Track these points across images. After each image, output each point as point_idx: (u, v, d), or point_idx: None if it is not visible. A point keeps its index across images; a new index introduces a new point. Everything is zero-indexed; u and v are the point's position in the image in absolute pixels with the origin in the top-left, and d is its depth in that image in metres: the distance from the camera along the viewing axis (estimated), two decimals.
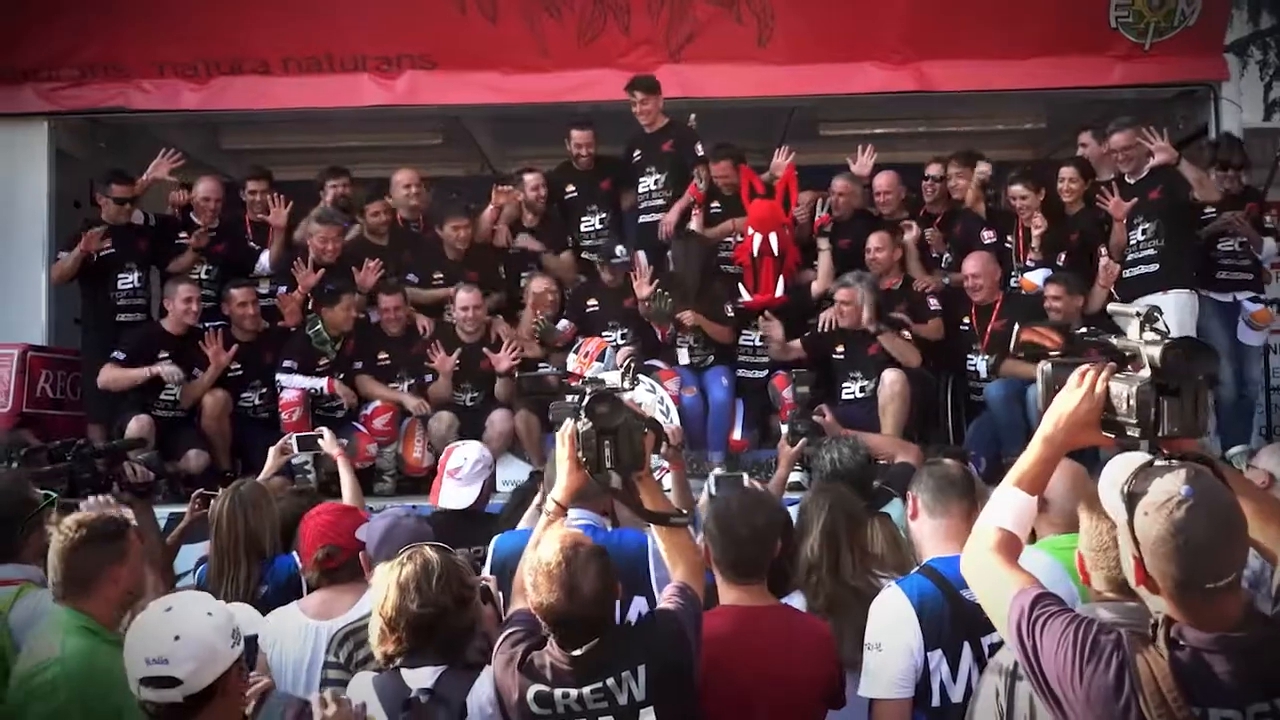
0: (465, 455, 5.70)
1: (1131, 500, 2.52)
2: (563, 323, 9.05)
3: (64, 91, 9.55)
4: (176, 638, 3.02)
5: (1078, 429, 2.78)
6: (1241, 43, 10.22)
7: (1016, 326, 3.10)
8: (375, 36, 9.44)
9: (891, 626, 3.76)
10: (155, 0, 9.32)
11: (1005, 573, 2.71)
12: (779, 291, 8.84)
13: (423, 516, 4.63)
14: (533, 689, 3.43)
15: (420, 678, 3.47)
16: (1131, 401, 2.71)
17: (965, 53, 9.40)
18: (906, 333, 8.27)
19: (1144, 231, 8.39)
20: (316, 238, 8.88)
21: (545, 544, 3.48)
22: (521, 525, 4.92)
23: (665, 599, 3.60)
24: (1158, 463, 2.56)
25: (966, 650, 3.72)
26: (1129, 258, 8.41)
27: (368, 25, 9.39)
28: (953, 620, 3.72)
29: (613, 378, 3.89)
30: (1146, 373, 2.72)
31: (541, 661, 3.43)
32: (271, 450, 6.35)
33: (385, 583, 3.50)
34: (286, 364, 8.53)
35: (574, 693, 3.42)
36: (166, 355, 8.44)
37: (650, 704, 3.43)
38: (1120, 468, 2.60)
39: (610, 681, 3.42)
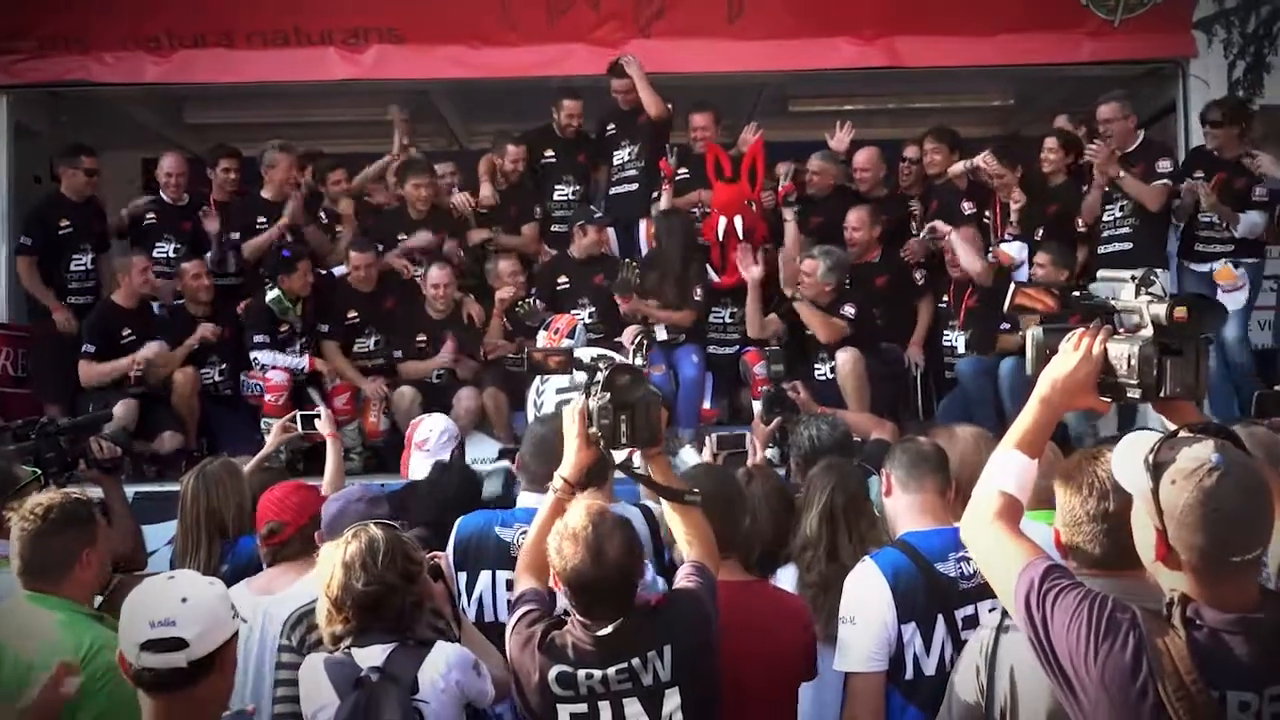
0: (431, 427, 5.76)
1: (1157, 470, 2.44)
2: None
3: (23, 64, 9.41)
4: (184, 600, 3.01)
5: (1075, 391, 2.74)
6: (1207, 21, 10.34)
7: (1012, 287, 3.06)
8: (342, 9, 9.38)
9: (865, 600, 3.75)
10: None
11: (1011, 542, 2.64)
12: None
13: (379, 496, 4.58)
14: (555, 669, 3.38)
15: (370, 656, 3.41)
16: (1133, 361, 2.68)
17: (936, 29, 9.40)
18: (849, 309, 8.27)
19: (1121, 208, 8.41)
20: (279, 168, 8.94)
21: (571, 511, 3.45)
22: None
23: (683, 577, 3.55)
24: (1183, 433, 2.50)
25: (940, 624, 3.73)
26: (1104, 234, 8.47)
27: None
28: (927, 594, 3.73)
29: (603, 352, 3.90)
30: (1148, 332, 2.68)
31: (563, 641, 3.38)
32: (275, 426, 6.38)
33: (330, 562, 3.44)
34: (257, 338, 8.52)
35: (598, 673, 3.36)
36: (130, 333, 8.40)
37: (675, 684, 3.39)
38: (1137, 442, 2.54)
39: (635, 662, 3.37)
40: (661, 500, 3.75)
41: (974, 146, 9.13)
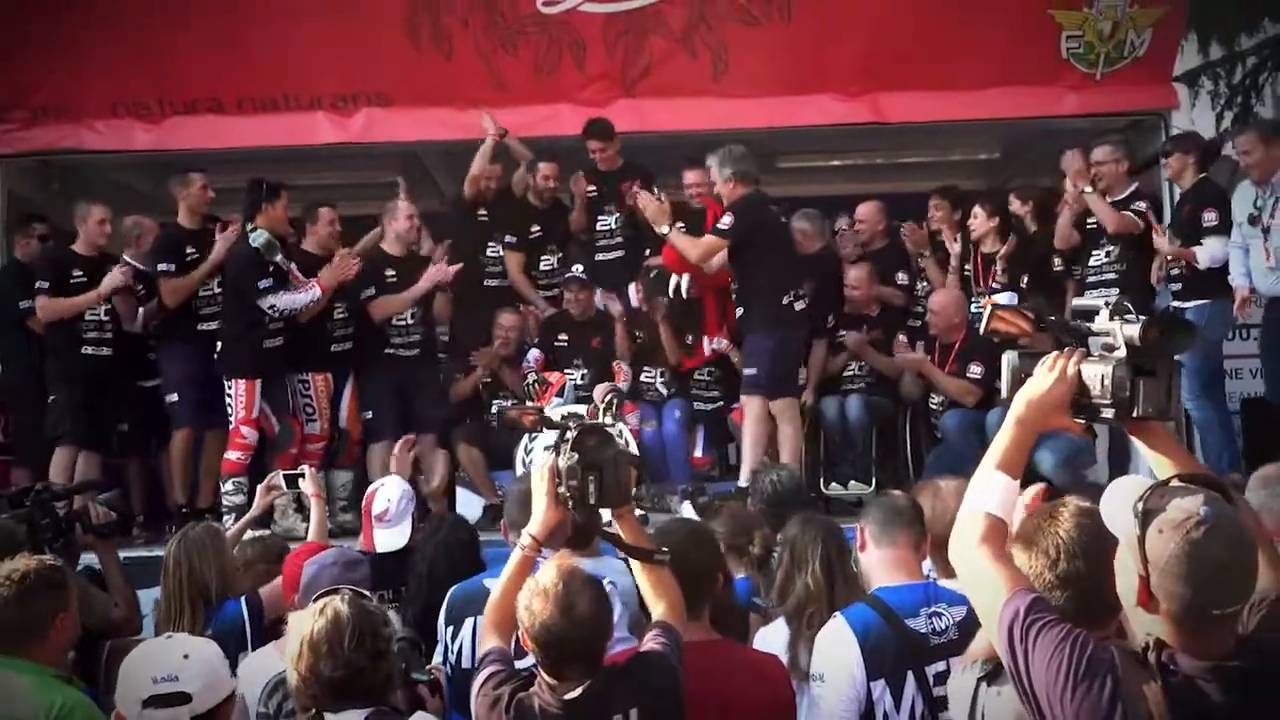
0: (388, 496, 5.65)
1: (1146, 517, 2.50)
2: (533, 352, 9.32)
3: (15, 134, 9.63)
4: (186, 656, 3.19)
5: (1050, 411, 2.82)
6: (1193, 73, 10.62)
7: (988, 309, 3.13)
8: (331, 74, 9.55)
9: (834, 657, 3.84)
10: (111, 41, 9.41)
11: (996, 570, 2.68)
12: (720, 343, 9.10)
13: (356, 559, 4.69)
14: None
15: None
16: (1106, 382, 2.77)
17: (920, 84, 9.59)
18: (726, 220, 8.12)
19: (1108, 254, 8.54)
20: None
21: (543, 569, 3.50)
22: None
23: (650, 639, 3.60)
24: (1175, 483, 2.58)
25: (910, 680, 3.82)
26: (1090, 279, 8.56)
27: (323, 63, 9.51)
28: (896, 650, 3.82)
29: (573, 410, 3.98)
30: (1121, 353, 2.78)
31: (530, 704, 3.39)
32: (259, 488, 6.41)
33: (298, 635, 3.36)
34: (263, 284, 8.27)
35: None
36: (81, 274, 8.50)
37: None
38: (1128, 487, 2.61)
39: None
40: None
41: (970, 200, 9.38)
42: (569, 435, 3.64)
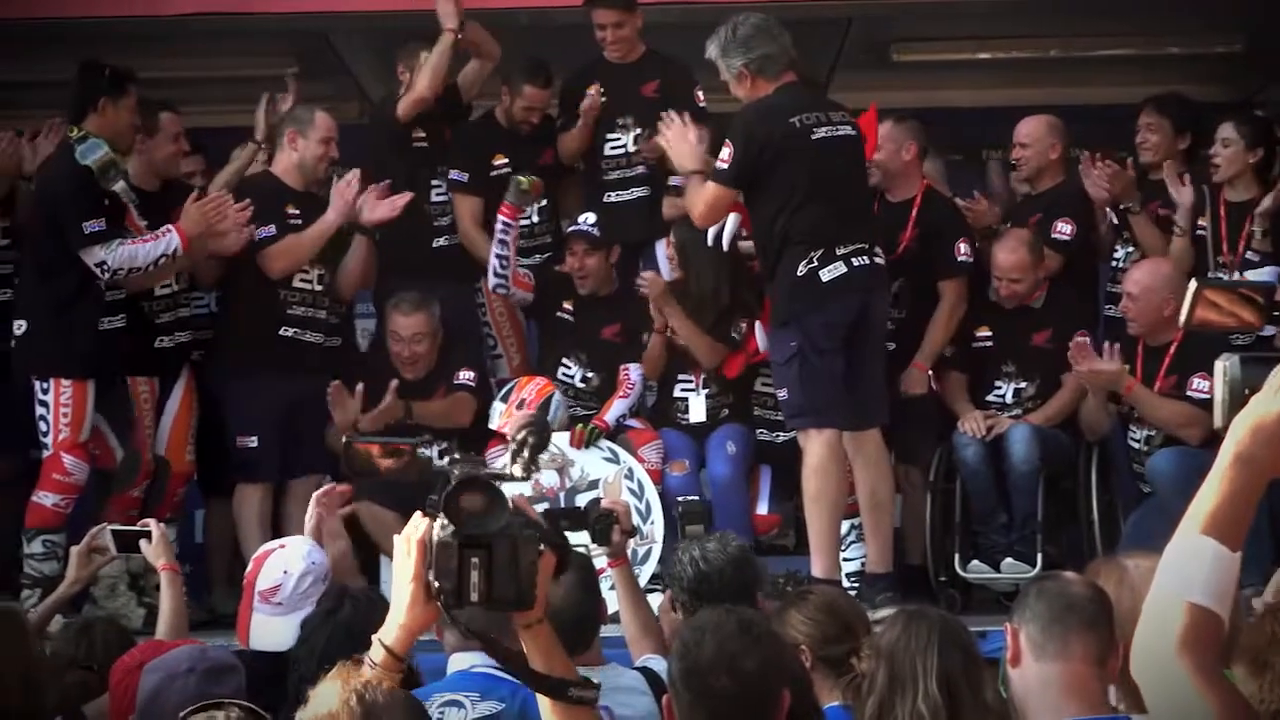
0: (285, 565, 5.14)
1: None
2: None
3: None
4: None
5: None
6: None
7: (1192, 286, 2.72)
8: None
9: None
10: None
11: (1201, 692, 2.25)
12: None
13: (223, 665, 4.14)
14: None
15: None
16: None
17: None
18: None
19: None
20: None
21: (320, 693, 3.02)
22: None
23: None
24: None
25: None
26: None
27: None
28: None
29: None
30: None
31: None
32: (75, 551, 5.80)
33: None
34: (91, 227, 6.95)
35: None
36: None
37: None
38: None
39: None
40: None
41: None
42: (445, 491, 3.19)
